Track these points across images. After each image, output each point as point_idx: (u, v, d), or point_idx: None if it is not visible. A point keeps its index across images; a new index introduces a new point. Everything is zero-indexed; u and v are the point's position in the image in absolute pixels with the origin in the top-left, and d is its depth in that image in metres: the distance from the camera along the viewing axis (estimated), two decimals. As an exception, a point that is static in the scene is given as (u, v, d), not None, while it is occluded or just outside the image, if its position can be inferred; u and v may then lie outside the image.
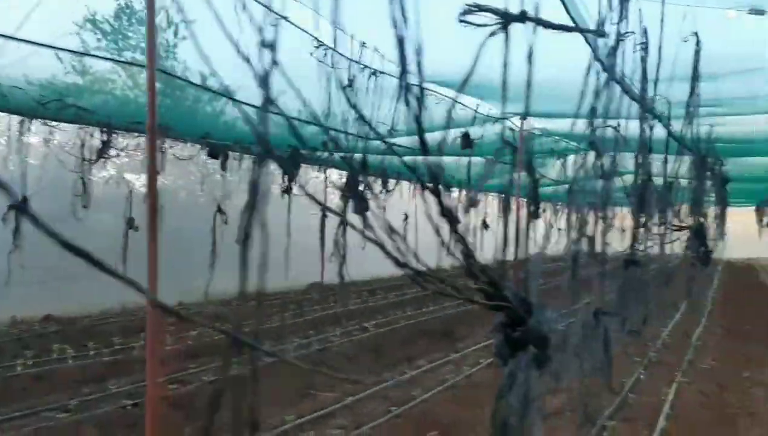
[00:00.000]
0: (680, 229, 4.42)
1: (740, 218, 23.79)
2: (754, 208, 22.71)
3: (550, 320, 1.13)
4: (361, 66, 4.91)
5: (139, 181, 8.66)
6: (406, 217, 11.88)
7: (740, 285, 19.73)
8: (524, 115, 8.07)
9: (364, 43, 4.60)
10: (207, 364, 7.18)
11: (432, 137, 1.08)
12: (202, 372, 6.95)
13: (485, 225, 18.75)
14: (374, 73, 5.14)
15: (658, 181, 4.95)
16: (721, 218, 15.54)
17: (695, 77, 4.16)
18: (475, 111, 6.92)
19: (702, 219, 9.05)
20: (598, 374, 3.65)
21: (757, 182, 15.13)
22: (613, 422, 5.73)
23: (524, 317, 1.10)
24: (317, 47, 4.52)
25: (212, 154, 7.75)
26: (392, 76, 5.47)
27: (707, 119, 7.74)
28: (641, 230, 3.66)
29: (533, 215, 9.77)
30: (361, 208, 4.75)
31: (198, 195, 10.78)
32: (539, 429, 1.12)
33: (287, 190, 8.57)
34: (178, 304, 10.53)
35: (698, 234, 4.59)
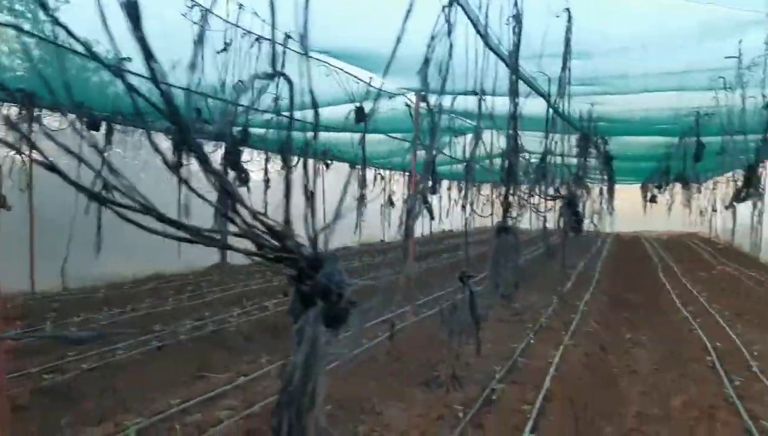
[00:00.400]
0: (554, 198, 4.58)
1: (627, 196, 25.48)
2: (639, 185, 24.40)
3: (339, 275, 1.05)
4: (242, 32, 4.67)
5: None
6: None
7: (626, 256, 21.16)
8: (420, 91, 8.11)
9: (241, 5, 4.36)
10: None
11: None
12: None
13: (391, 202, 18.95)
14: (258, 39, 4.91)
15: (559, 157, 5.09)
16: (609, 193, 16.48)
17: (567, 52, 4.28)
18: (369, 84, 6.84)
19: (584, 192, 9.53)
20: (466, 336, 3.71)
21: (641, 161, 16.21)
22: (502, 385, 5.91)
23: (311, 272, 1.02)
24: (191, 7, 4.23)
25: (92, 126, 7.20)
26: (275, 42, 5.24)
27: (589, 98, 8.15)
28: (513, 199, 3.75)
29: (431, 191, 9.89)
30: (241, 180, 4.57)
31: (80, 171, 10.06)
32: (322, 388, 1.05)
33: (178, 166, 8.12)
34: (63, 289, 9.85)
35: (571, 203, 4.79)
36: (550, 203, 4.56)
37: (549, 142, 4.59)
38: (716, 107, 6.79)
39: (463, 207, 16.75)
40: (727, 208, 14.18)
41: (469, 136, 11.11)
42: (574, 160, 11.13)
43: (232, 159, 4.64)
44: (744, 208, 14.74)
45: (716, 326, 8.79)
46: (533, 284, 13.96)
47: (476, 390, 5.76)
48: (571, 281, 13.67)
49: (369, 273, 14.19)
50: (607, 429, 5.60)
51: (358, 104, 6.89)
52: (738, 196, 6.01)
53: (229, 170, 4.75)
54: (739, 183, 5.86)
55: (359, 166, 14.75)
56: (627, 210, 24.65)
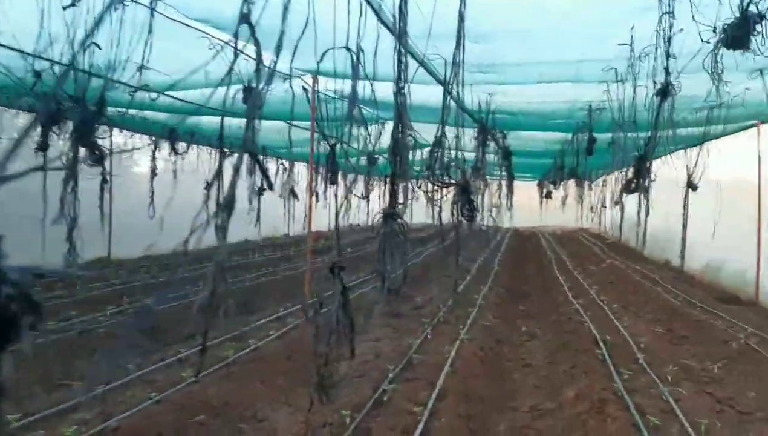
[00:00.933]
0: (447, 185, 4.29)
1: (525, 192, 26.34)
2: (537, 182, 25.28)
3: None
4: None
5: None
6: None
7: (524, 250, 21.78)
8: (315, 74, 7.61)
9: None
10: None
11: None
12: None
13: (294, 194, 18.31)
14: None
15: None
16: (508, 189, 16.73)
17: (461, 29, 3.97)
18: (259, 62, 6.24)
19: (482, 184, 9.43)
20: (341, 336, 3.29)
21: (538, 157, 16.63)
22: (394, 385, 5.57)
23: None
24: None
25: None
26: (144, 5, 4.58)
27: (487, 88, 8.02)
28: (402, 186, 3.38)
29: (331, 182, 9.44)
30: (95, 159, 3.89)
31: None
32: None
33: (43, 147, 7.16)
34: None
35: (465, 190, 4.51)
36: (448, 194, 4.28)
37: (444, 129, 4.27)
38: (608, 101, 6.82)
39: (366, 198, 16.44)
40: (616, 204, 14.81)
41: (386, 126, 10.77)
42: (473, 155, 11.17)
43: (85, 134, 3.95)
44: (631, 205, 15.51)
45: (605, 319, 8.99)
46: (434, 277, 13.91)
47: (368, 391, 5.38)
48: (471, 274, 13.74)
49: (268, 268, 13.53)
50: (500, 426, 5.41)
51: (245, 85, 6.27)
52: (628, 188, 6.02)
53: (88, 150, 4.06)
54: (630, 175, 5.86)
55: (258, 156, 14.04)
56: (525, 206, 25.48)
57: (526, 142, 13.29)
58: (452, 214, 4.49)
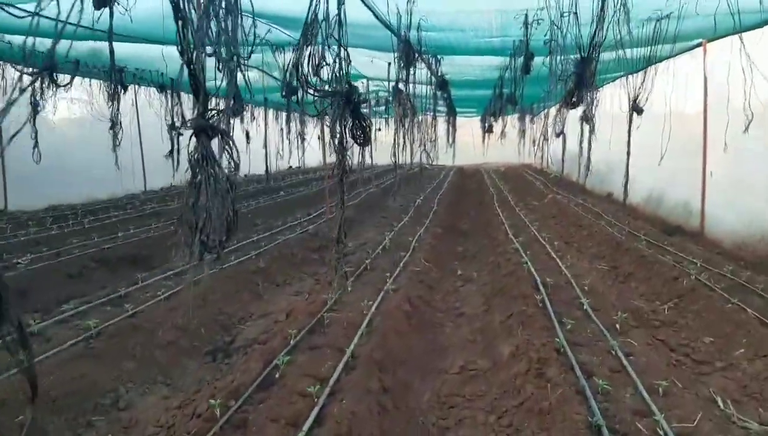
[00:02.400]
0: (325, 95, 3.05)
1: (468, 131, 25.31)
2: (479, 118, 24.17)
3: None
4: None
5: None
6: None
7: (466, 188, 20.88)
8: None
9: None
10: None
11: None
12: None
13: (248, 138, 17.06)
14: None
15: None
16: (451, 124, 15.53)
17: None
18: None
19: (410, 112, 8.18)
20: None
21: (478, 87, 15.38)
22: (291, 356, 4.44)
23: None
24: None
25: None
26: None
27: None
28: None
29: (233, 113, 8.04)
30: None
31: None
32: None
33: None
34: None
35: (349, 101, 3.25)
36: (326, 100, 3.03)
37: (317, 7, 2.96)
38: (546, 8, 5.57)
39: (283, 134, 14.94)
40: (558, 135, 13.87)
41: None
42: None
43: None
44: (572, 138, 14.61)
45: (547, 258, 8.10)
46: (370, 220, 12.80)
47: (259, 366, 4.24)
48: (409, 215, 12.68)
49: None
50: (424, 396, 4.40)
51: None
52: (569, 101, 4.93)
53: None
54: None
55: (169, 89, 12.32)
56: (470, 144, 24.47)
57: (462, 70, 12.00)
58: (334, 135, 3.26)
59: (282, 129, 22.31)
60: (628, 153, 9.79)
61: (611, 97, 12.78)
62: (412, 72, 8.19)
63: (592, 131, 11.52)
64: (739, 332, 5.16)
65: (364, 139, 3.36)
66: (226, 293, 6.50)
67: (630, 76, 8.89)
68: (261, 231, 10.22)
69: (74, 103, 13.72)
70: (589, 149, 9.85)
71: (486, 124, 18.16)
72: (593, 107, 8.11)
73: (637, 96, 8.33)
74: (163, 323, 5.39)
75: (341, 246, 3.80)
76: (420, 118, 11.08)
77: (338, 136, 3.20)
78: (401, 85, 7.19)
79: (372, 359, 4.39)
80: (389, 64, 9.77)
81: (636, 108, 8.46)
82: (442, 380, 4.74)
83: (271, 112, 21.05)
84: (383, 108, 19.78)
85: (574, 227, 11.34)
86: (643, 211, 12.76)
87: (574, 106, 4.98)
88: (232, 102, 2.18)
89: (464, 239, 10.86)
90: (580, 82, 4.40)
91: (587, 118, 11.53)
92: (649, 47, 8.14)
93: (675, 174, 10.95)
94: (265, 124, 17.44)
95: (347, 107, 3.12)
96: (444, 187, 19.33)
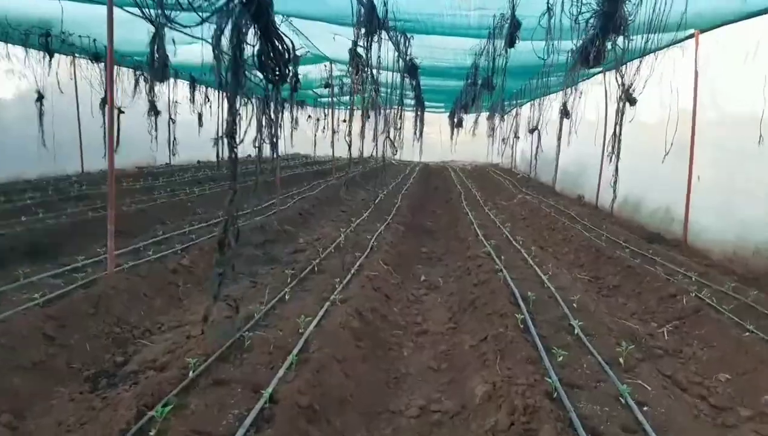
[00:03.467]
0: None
1: (435, 128, 24.19)
2: (448, 114, 23.04)
3: None
4: None
5: None
6: None
7: (432, 184, 19.72)
8: None
9: None
10: None
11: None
12: None
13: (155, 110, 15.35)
14: None
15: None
16: (420, 119, 14.32)
17: None
18: None
19: (375, 93, 6.93)
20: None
21: (450, 77, 14.22)
22: (180, 398, 3.13)
23: None
24: None
25: None
26: None
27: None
28: None
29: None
30: None
31: None
32: None
33: None
34: None
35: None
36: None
37: None
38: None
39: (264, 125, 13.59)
40: (531, 131, 12.81)
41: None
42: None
43: None
44: (543, 139, 13.60)
45: (523, 265, 6.95)
46: (330, 213, 11.50)
47: (130, 415, 2.91)
48: (370, 209, 11.45)
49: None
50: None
51: None
52: (586, 59, 3.75)
53: None
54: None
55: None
56: (437, 142, 23.37)
57: (434, 54, 10.79)
58: (222, 67, 1.98)
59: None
60: (613, 155, 8.75)
61: (586, 95, 11.75)
62: (377, 53, 6.95)
63: (560, 133, 10.44)
64: (763, 369, 4.09)
65: (280, 73, 2.11)
66: (133, 296, 5.13)
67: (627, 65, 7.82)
68: (198, 221, 8.81)
69: (16, 75, 12.04)
70: (558, 150, 8.82)
71: (455, 119, 17.03)
72: (623, 70, 6.75)
73: (632, 84, 7.22)
74: (31, 337, 4.00)
75: (226, 253, 2.53)
76: (385, 106, 9.82)
77: (230, 65, 1.92)
78: (361, 51, 5.91)
79: (298, 405, 3.11)
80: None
81: (629, 98, 7.35)
82: (395, 427, 3.51)
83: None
84: (348, 97, 18.37)
85: (548, 231, 10.28)
86: (619, 216, 11.81)
87: (593, 64, 3.80)
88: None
89: (429, 239, 9.68)
90: (607, 27, 3.23)
91: (567, 112, 10.48)
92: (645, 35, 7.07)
93: (655, 177, 9.99)
94: (219, 104, 15.90)
95: (247, 13, 1.84)
96: (409, 183, 18.11)
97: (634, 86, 7.54)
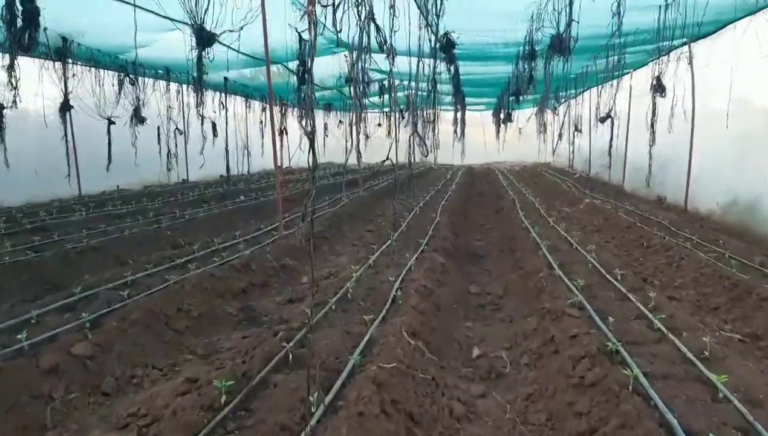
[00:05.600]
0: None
1: (477, 128, 21.44)
2: (491, 112, 20.22)
3: None
4: None
5: None
6: None
7: (478, 191, 16.83)
8: None
9: None
10: None
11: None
12: None
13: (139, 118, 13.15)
14: None
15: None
16: (461, 118, 11.67)
17: None
18: None
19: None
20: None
21: (496, 59, 11.46)
22: None
23: None
24: None
25: None
26: None
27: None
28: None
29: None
30: None
31: None
32: None
33: None
34: None
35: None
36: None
37: None
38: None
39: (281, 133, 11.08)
40: (602, 120, 9.88)
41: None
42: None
43: None
44: (602, 133, 10.62)
45: (646, 328, 4.15)
46: (355, 233, 8.93)
47: None
48: (406, 222, 8.84)
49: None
50: None
51: None
52: None
53: None
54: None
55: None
56: (480, 142, 20.57)
57: (473, 23, 8.09)
58: None
59: (261, 121, 18.58)
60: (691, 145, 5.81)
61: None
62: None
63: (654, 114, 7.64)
64: None
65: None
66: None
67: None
68: (169, 259, 6.38)
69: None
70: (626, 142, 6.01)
71: (503, 114, 14.17)
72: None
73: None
74: None
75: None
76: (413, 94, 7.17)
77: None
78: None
79: None
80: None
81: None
82: None
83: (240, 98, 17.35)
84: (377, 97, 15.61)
85: (638, 248, 7.39)
86: (722, 222, 8.77)
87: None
88: None
89: (479, 269, 6.96)
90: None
91: (661, 87, 7.56)
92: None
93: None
94: (226, 110, 13.64)
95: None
96: (451, 189, 15.27)
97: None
